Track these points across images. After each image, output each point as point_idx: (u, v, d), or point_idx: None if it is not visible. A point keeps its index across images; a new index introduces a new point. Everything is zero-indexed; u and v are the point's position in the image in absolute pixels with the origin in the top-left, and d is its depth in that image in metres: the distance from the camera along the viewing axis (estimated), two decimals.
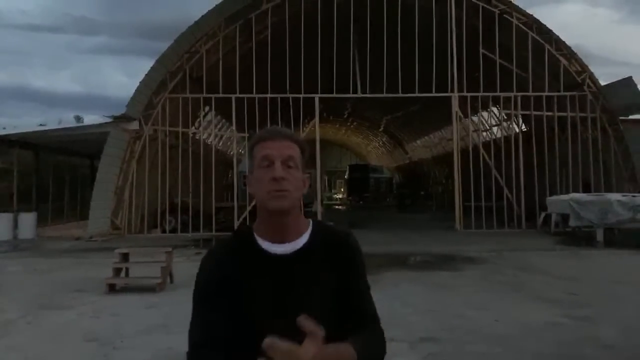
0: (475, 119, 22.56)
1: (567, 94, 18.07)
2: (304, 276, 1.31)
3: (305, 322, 1.09)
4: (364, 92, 18.85)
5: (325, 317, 1.26)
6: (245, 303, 1.30)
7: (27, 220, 16.26)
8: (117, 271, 8.41)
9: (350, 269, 1.37)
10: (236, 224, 17.34)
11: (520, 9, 18.34)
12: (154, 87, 17.55)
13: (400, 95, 18.77)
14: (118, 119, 16.56)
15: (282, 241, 1.33)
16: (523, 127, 20.88)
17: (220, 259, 1.36)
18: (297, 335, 1.18)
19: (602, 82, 18.35)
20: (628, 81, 17.07)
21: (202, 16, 17.69)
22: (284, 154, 1.31)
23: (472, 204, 18.16)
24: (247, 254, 1.34)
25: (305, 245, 1.34)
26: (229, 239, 1.43)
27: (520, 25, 18.14)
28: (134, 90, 17.27)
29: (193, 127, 20.86)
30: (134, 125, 16.96)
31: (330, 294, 1.32)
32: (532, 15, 18.33)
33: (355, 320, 1.33)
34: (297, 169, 1.33)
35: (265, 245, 1.34)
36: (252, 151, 1.36)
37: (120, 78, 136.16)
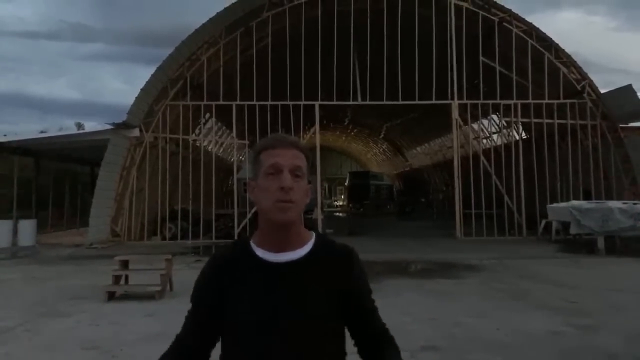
0: (475, 126, 22.60)
1: (567, 101, 18.13)
2: (298, 286, 1.30)
3: None
4: (364, 99, 18.88)
5: (315, 328, 1.26)
6: (234, 309, 1.30)
7: (27, 227, 16.19)
8: (117, 279, 8.38)
9: (359, 287, 1.38)
10: (236, 231, 17.33)
11: (520, 17, 18.41)
12: (154, 94, 17.58)
13: (400, 102, 18.81)
14: (119, 126, 16.58)
15: (281, 250, 1.32)
16: (523, 134, 20.91)
17: (217, 266, 1.37)
18: (284, 343, 1.22)
19: (600, 90, 18.42)
20: (628, 89, 17.12)
21: (203, 24, 17.74)
22: (292, 163, 1.29)
23: (473, 211, 18.13)
24: (244, 261, 1.33)
25: (305, 256, 1.33)
26: (227, 247, 1.43)
27: (520, 33, 18.21)
28: (131, 97, 17.40)
29: (193, 135, 20.90)
30: (135, 133, 16.99)
31: (327, 307, 1.30)
32: (531, 23, 18.41)
33: (373, 337, 1.37)
34: (304, 179, 1.32)
35: (263, 254, 1.33)
36: (259, 158, 1.33)
37: (117, 85, 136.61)
